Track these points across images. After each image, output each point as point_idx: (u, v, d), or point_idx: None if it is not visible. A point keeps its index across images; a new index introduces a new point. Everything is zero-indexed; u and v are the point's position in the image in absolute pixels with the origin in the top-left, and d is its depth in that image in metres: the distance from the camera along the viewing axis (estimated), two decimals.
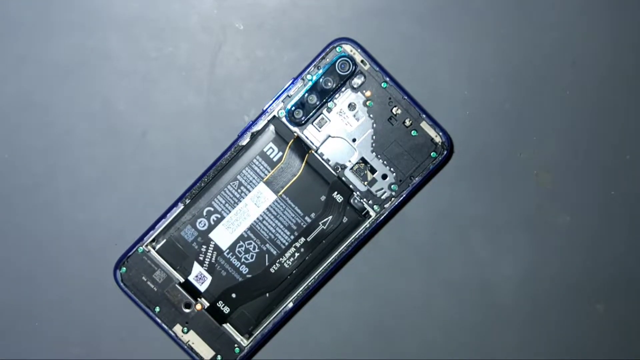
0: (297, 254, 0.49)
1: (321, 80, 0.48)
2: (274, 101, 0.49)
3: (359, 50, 0.50)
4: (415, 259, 0.51)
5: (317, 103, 0.49)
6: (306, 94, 0.49)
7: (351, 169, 0.49)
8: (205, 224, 0.48)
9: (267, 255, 0.48)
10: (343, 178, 0.49)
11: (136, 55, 0.48)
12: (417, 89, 0.50)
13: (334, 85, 0.48)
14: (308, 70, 0.49)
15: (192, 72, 0.49)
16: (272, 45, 0.50)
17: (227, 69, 0.49)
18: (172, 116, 0.50)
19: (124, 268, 0.48)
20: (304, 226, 0.49)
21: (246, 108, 0.51)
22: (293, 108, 0.49)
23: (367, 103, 0.49)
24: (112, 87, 0.49)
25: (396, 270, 0.52)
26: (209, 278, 0.47)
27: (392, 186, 0.49)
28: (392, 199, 0.49)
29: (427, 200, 0.52)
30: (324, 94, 0.49)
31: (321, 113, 0.49)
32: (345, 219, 0.49)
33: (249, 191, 0.49)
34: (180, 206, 0.49)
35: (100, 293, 0.49)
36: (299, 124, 0.49)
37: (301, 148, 0.49)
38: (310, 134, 0.49)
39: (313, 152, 0.49)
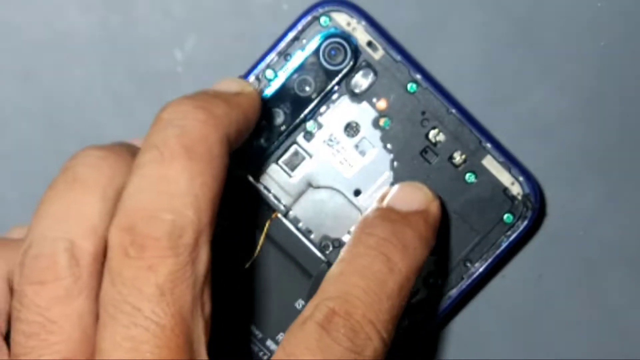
0: None
1: (293, 80, 0.32)
2: None
3: (363, 21, 0.31)
4: None
5: (286, 124, 0.32)
6: (265, 107, 0.31)
7: None
8: None
9: None
10: None
11: None
12: (470, 92, 0.34)
13: (318, 90, 0.32)
14: (267, 61, 0.32)
15: None
16: None
17: None
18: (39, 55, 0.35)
19: None
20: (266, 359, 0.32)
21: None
22: None
23: (382, 122, 0.32)
24: None
25: None
26: None
27: (431, 281, 0.32)
28: (430, 304, 0.32)
29: (496, 305, 0.36)
30: (299, 107, 0.32)
31: (293, 142, 0.32)
32: None
33: None
34: None
35: None
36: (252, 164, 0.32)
37: (256, 210, 0.32)
38: (274, 182, 0.32)
39: (280, 216, 0.32)
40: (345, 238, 0.32)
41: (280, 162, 0.32)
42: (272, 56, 0.31)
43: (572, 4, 0.35)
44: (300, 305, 0.31)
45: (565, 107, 0.35)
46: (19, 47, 0.35)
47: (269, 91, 0.31)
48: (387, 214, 0.28)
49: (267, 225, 0.32)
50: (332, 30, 0.31)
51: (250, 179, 0.31)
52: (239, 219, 0.32)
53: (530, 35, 0.35)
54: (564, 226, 0.35)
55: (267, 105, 0.31)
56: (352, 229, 0.31)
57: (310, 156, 0.32)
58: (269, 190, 0.32)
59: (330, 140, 0.32)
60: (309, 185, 0.32)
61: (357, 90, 0.31)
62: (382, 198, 0.29)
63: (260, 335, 0.32)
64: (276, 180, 0.32)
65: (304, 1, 0.33)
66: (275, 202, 0.32)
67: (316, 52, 0.31)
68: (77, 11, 0.34)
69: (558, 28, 0.35)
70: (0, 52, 0.35)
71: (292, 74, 0.31)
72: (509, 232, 0.32)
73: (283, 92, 0.31)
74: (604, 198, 0.35)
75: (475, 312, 0.36)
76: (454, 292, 0.32)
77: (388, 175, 0.31)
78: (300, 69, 0.31)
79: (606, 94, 0.35)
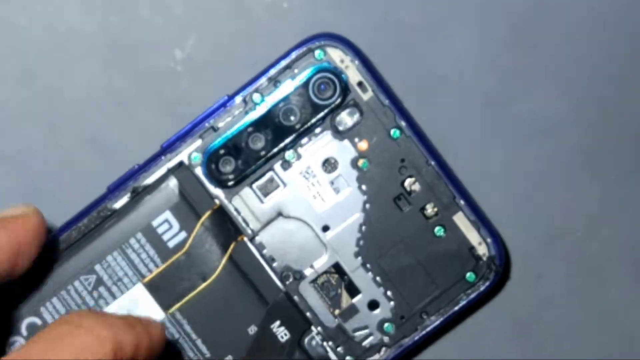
0: None
1: (280, 108, 0.31)
2: (183, 133, 0.32)
3: (357, 60, 0.31)
4: None
5: (266, 150, 0.32)
6: (247, 130, 0.31)
7: (314, 281, 0.32)
8: None
9: None
10: (295, 297, 0.32)
11: None
12: (470, 93, 0.34)
13: (302, 121, 0.31)
14: (257, 84, 0.31)
15: None
16: None
17: None
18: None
19: None
20: None
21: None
22: (220, 152, 0.32)
23: (360, 163, 0.32)
24: None
25: None
26: None
27: (386, 326, 0.32)
28: (383, 350, 0.32)
29: (496, 305, 0.36)
30: (281, 134, 0.31)
31: (270, 169, 0.32)
32: None
33: (115, 297, 0.32)
34: None
35: None
36: (226, 184, 0.32)
37: (224, 230, 0.32)
38: (245, 205, 0.32)
39: (245, 240, 0.32)
40: (307, 272, 0.31)
41: (254, 186, 0.31)
42: (262, 81, 0.31)
43: (573, 5, 0.35)
44: (253, 331, 0.31)
45: (566, 107, 0.35)
46: (20, 47, 0.35)
47: (253, 115, 0.31)
48: None
49: (231, 247, 0.31)
50: (325, 64, 0.31)
51: (223, 198, 0.31)
52: (207, 240, 0.31)
53: (530, 36, 0.35)
54: (564, 226, 0.35)
55: (249, 128, 0.31)
56: (315, 263, 0.31)
57: (285, 185, 0.31)
58: (238, 213, 0.31)
59: (307, 172, 0.32)
60: (279, 214, 0.32)
61: (340, 128, 0.31)
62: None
63: (208, 355, 0.31)
64: (247, 204, 0.31)
65: (304, 1, 0.33)
66: (243, 225, 0.31)
67: (306, 83, 0.31)
68: (77, 12, 0.35)
69: (558, 28, 0.35)
70: (1, 52, 0.35)
71: (279, 102, 0.31)
72: (469, 291, 0.31)
73: (267, 118, 0.31)
74: (604, 198, 0.35)
75: (475, 313, 0.36)
76: (406, 341, 0.31)
77: (358, 216, 0.31)
78: (288, 98, 0.31)
79: (606, 94, 0.35)
